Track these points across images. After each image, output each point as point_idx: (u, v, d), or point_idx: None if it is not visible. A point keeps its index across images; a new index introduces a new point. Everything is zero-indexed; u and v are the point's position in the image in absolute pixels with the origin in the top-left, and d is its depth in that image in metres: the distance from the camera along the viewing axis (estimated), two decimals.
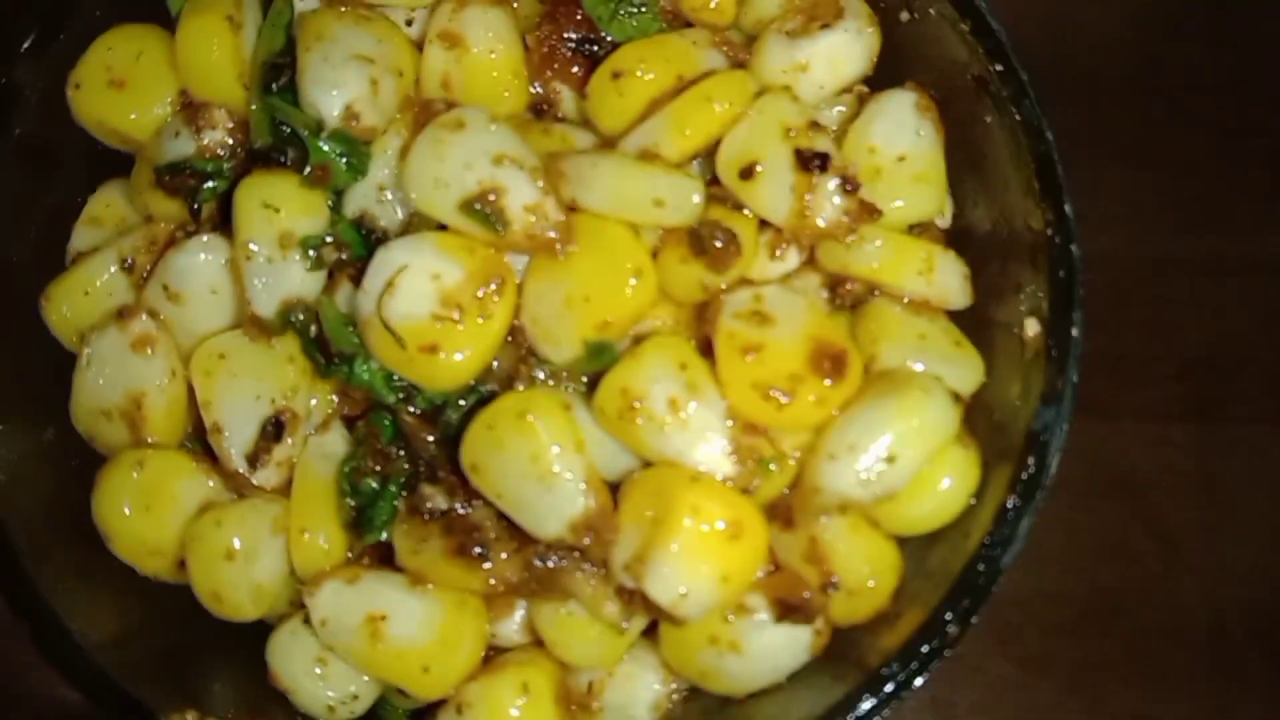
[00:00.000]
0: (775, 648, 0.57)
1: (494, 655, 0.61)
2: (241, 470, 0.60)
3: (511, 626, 0.61)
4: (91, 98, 0.62)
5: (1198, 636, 1.24)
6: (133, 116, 0.63)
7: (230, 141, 0.62)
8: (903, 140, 0.62)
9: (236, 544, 0.58)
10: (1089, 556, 1.23)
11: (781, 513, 0.58)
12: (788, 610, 0.56)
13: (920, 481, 0.57)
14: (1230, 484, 1.27)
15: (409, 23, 0.65)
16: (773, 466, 0.58)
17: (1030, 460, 0.55)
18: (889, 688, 0.53)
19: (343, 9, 0.62)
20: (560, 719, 0.59)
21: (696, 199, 0.59)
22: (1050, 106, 0.59)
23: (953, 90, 0.63)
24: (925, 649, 0.53)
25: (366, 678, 0.59)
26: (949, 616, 0.53)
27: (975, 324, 0.63)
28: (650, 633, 0.61)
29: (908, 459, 0.55)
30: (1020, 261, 0.61)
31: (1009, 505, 0.55)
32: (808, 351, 0.57)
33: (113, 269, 0.62)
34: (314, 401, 0.62)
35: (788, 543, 0.58)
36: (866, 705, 0.52)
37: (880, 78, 0.66)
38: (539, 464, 0.55)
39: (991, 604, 1.23)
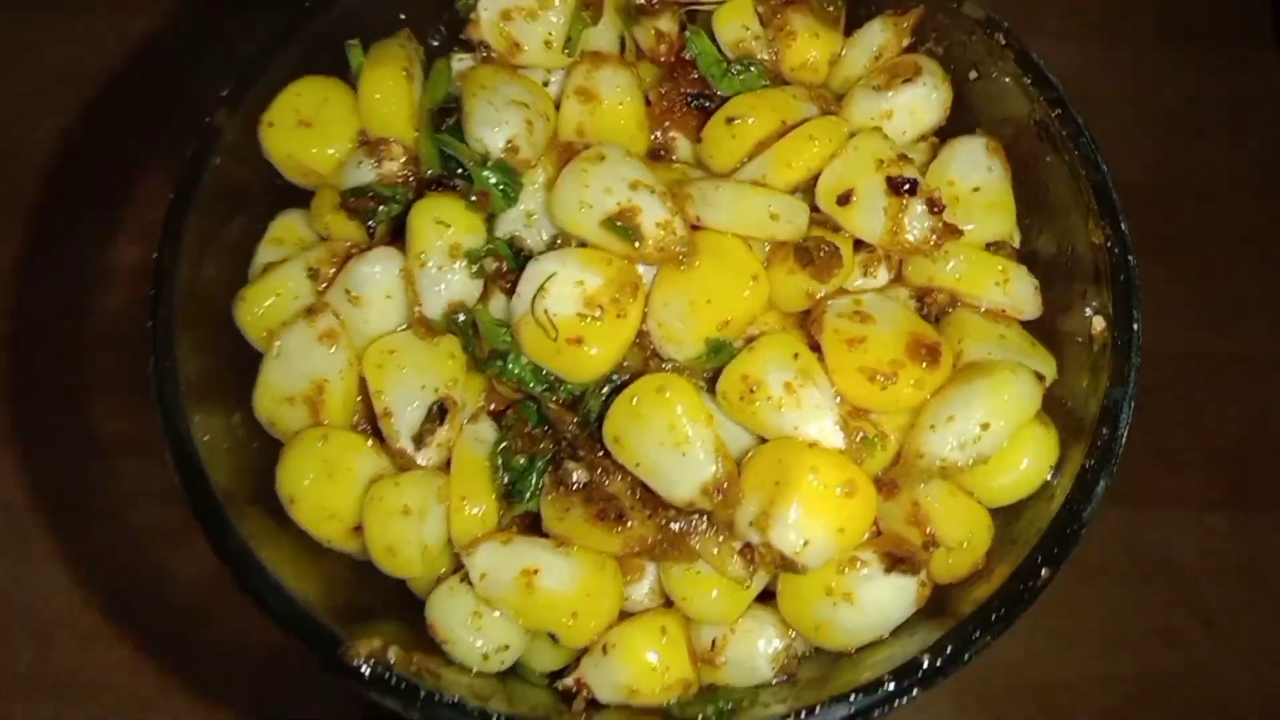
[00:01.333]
0: (885, 598, 0.64)
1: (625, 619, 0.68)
2: (408, 449, 0.68)
3: (642, 590, 0.69)
4: (282, 134, 0.73)
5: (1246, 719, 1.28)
6: (316, 151, 0.73)
7: (405, 172, 0.72)
8: (976, 175, 0.72)
9: (411, 503, 0.66)
10: (1135, 640, 1.29)
11: (884, 487, 0.66)
12: (896, 562, 0.64)
13: (1006, 456, 0.65)
14: (1270, 568, 1.33)
15: (546, 83, 0.76)
16: (876, 443, 0.66)
17: (1104, 430, 0.63)
18: (993, 618, 0.60)
19: (496, 68, 0.73)
20: (691, 664, 0.66)
21: (805, 214, 0.69)
22: None
23: (1016, 136, 0.74)
24: (1021, 587, 0.60)
25: (516, 629, 0.66)
26: (1040, 560, 0.61)
27: (1043, 335, 0.72)
28: (766, 600, 0.68)
29: (999, 427, 0.63)
30: (1083, 278, 0.70)
31: (1086, 466, 0.62)
32: (905, 343, 0.66)
33: (300, 276, 0.71)
34: (466, 405, 0.71)
35: (891, 511, 0.66)
36: (975, 634, 0.59)
37: (950, 129, 0.76)
38: (674, 433, 0.64)
39: (1043, 688, 1.28)
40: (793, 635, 0.67)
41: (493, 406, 0.72)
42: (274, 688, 1.16)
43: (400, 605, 0.70)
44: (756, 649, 0.67)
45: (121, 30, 1.38)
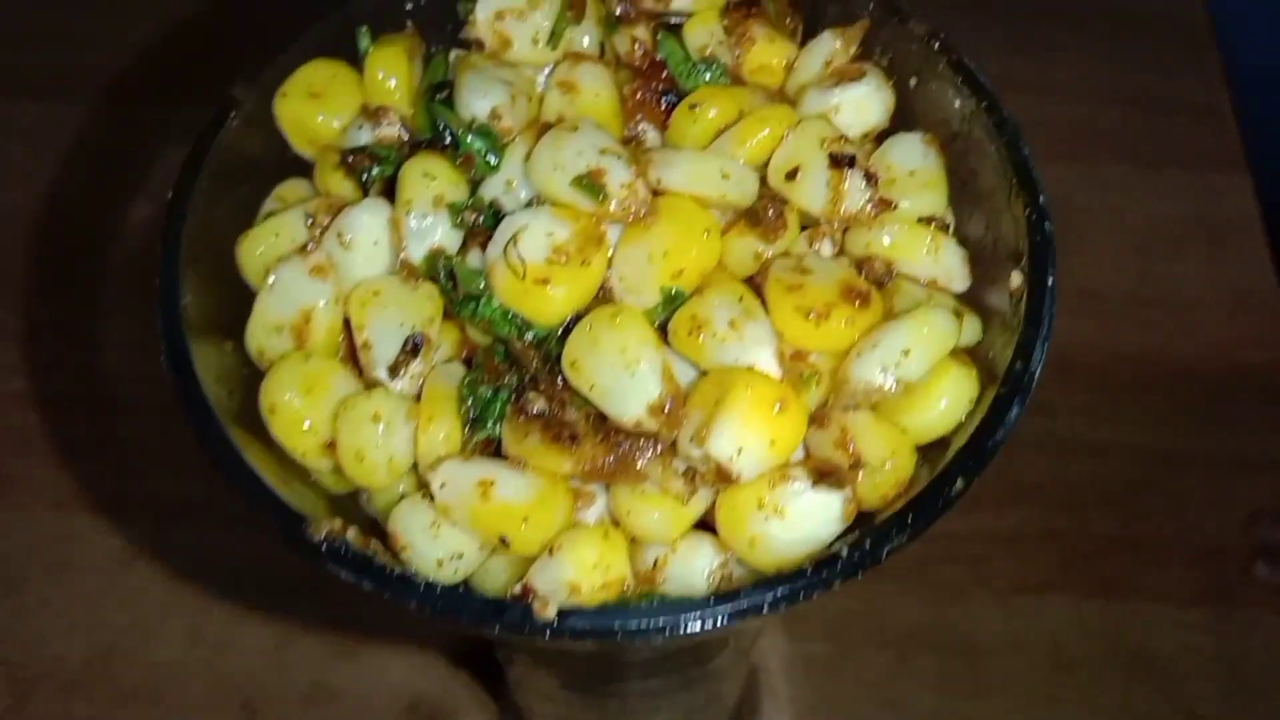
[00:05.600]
0: (813, 512, 0.68)
1: None
2: (383, 378, 0.74)
3: (590, 516, 0.73)
4: (293, 103, 0.82)
5: None
6: (322, 119, 0.82)
7: (399, 136, 0.80)
8: (913, 160, 0.80)
9: (380, 412, 0.71)
10: None
11: (815, 419, 0.72)
12: (822, 476, 0.68)
13: (929, 391, 0.70)
14: (1252, 666, 1.36)
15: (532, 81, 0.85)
16: (811, 381, 0.72)
17: (1017, 363, 0.69)
18: (909, 519, 0.64)
19: (487, 55, 0.83)
20: (629, 567, 0.70)
21: (754, 180, 0.76)
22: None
23: (950, 134, 0.81)
24: (936, 495, 0.65)
25: (472, 541, 0.71)
26: (955, 470, 0.65)
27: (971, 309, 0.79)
28: (705, 529, 0.73)
29: (919, 353, 0.69)
30: (1007, 254, 0.77)
31: (1000, 393, 0.68)
32: (840, 289, 0.72)
33: (298, 222, 0.78)
34: (441, 347, 0.78)
35: (820, 439, 0.71)
36: (892, 532, 0.64)
37: (892, 133, 0.84)
38: (625, 355, 0.70)
39: None
40: (729, 555, 0.72)
41: (465, 354, 0.78)
42: None
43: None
44: (694, 566, 0.71)
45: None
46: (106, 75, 1.70)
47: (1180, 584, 1.44)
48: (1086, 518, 1.50)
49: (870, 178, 0.76)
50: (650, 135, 0.85)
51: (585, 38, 0.85)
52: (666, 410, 0.69)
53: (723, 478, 0.68)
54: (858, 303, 0.71)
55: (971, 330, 0.75)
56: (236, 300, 0.78)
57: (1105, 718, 1.37)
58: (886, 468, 0.69)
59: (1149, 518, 1.49)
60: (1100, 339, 1.55)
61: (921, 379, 0.70)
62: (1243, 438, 1.51)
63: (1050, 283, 0.71)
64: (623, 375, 0.70)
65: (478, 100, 0.78)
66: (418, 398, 0.75)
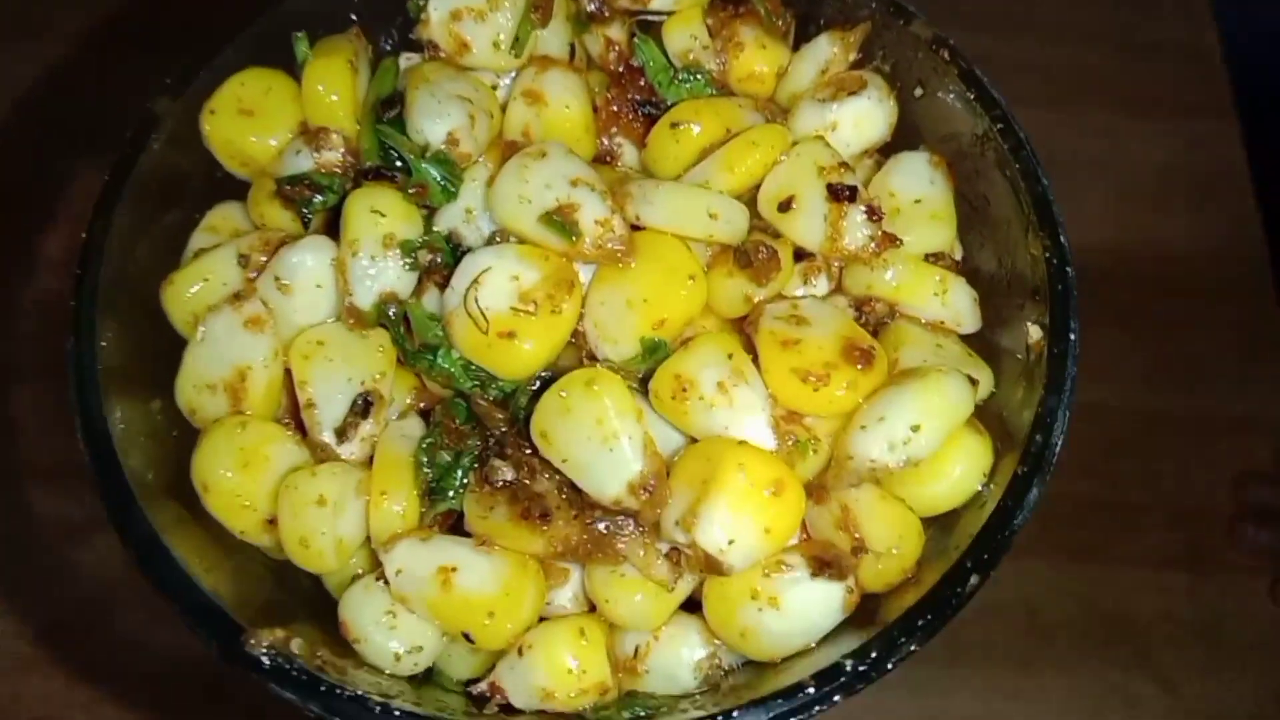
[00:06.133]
0: (811, 603, 0.62)
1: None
2: (329, 442, 0.66)
3: (565, 596, 0.67)
4: (223, 122, 0.72)
5: None
6: (256, 139, 0.72)
7: (344, 161, 0.71)
8: (918, 186, 0.72)
9: (327, 493, 0.64)
10: (1090, 699, 1.27)
11: (814, 492, 0.65)
12: (822, 566, 0.62)
13: (938, 463, 0.64)
14: (1227, 630, 1.32)
15: (494, 88, 0.76)
16: (808, 447, 0.65)
17: (1037, 437, 0.62)
18: (919, 623, 0.58)
19: (442, 64, 0.73)
20: (610, 669, 0.64)
21: (744, 216, 0.68)
22: None
23: (959, 153, 0.74)
24: (949, 594, 0.59)
25: (431, 629, 0.64)
26: (969, 566, 0.59)
27: (982, 351, 0.72)
28: (692, 609, 0.66)
29: (930, 429, 0.62)
30: (1022, 293, 0.69)
31: (1019, 473, 0.61)
32: (840, 346, 0.65)
33: (230, 262, 0.70)
34: (394, 402, 0.70)
35: (820, 516, 0.65)
36: (900, 640, 0.58)
37: (894, 148, 0.76)
38: (603, 427, 0.62)
39: None
40: (717, 644, 0.65)
41: (422, 405, 0.70)
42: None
43: (316, 609, 0.68)
44: (680, 657, 0.65)
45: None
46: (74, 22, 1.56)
47: (1159, 547, 1.40)
48: (1065, 480, 1.45)
49: (873, 212, 0.68)
50: (626, 151, 0.76)
51: (553, 39, 0.76)
52: (649, 489, 0.62)
53: (712, 568, 0.61)
54: (860, 364, 0.64)
55: (984, 383, 0.68)
56: (164, 346, 0.70)
57: (1080, 683, 1.35)
58: (893, 552, 0.63)
59: (1128, 480, 1.45)
60: (1080, 293, 1.49)
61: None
62: (1224, 398, 1.47)
63: (1073, 339, 0.64)
64: (600, 450, 0.62)
65: (432, 124, 0.69)
66: (369, 462, 0.67)
